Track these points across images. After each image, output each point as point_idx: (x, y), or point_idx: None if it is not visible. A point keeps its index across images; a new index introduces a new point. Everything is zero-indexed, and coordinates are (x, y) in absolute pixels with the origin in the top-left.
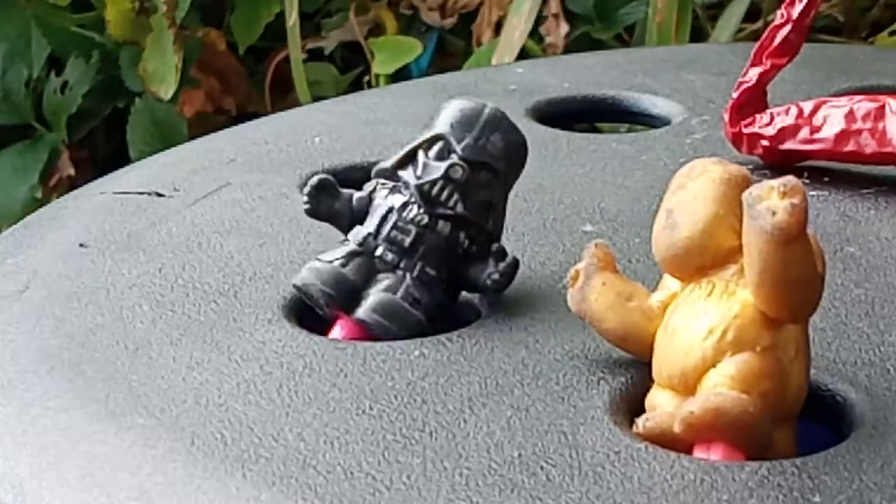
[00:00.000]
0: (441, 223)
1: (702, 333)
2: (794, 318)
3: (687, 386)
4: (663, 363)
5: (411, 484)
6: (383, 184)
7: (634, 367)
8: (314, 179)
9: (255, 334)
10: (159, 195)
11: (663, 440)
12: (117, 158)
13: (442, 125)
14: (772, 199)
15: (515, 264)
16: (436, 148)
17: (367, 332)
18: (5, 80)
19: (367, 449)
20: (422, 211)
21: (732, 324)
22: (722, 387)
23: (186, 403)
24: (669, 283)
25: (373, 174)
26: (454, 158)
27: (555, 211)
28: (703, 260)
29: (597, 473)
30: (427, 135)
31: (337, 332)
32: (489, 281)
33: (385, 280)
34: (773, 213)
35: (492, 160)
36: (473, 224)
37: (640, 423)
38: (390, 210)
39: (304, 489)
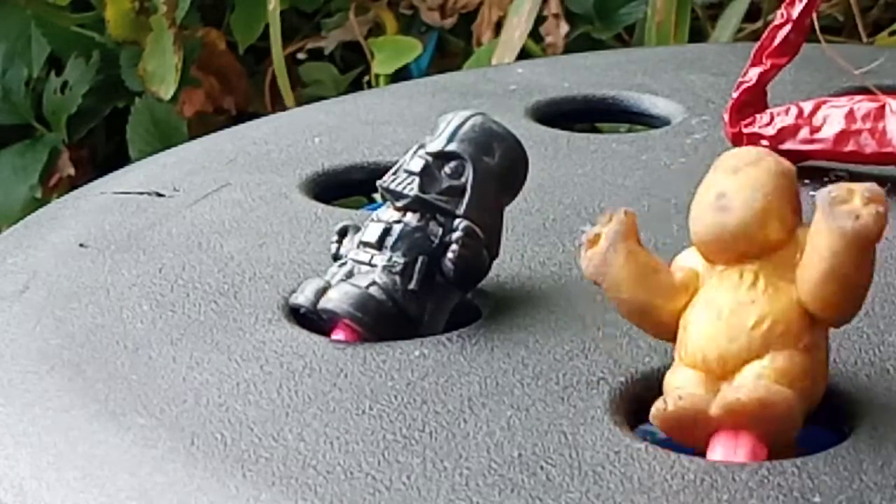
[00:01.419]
0: (409, 215)
1: (749, 322)
2: (839, 320)
3: (724, 370)
4: (700, 343)
5: (411, 484)
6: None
7: (635, 367)
8: (338, 226)
9: (255, 334)
10: (159, 195)
11: (684, 422)
12: (117, 158)
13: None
14: (854, 203)
15: (468, 231)
16: (411, 154)
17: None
18: (5, 80)
19: (367, 449)
20: (391, 208)
21: (781, 318)
22: (767, 379)
23: (186, 403)
24: (686, 262)
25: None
26: (421, 154)
27: (555, 211)
28: (749, 248)
29: (597, 473)
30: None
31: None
32: (450, 254)
33: (356, 276)
34: (857, 217)
35: (459, 149)
36: (440, 210)
37: (671, 401)
38: (371, 219)
39: (304, 489)
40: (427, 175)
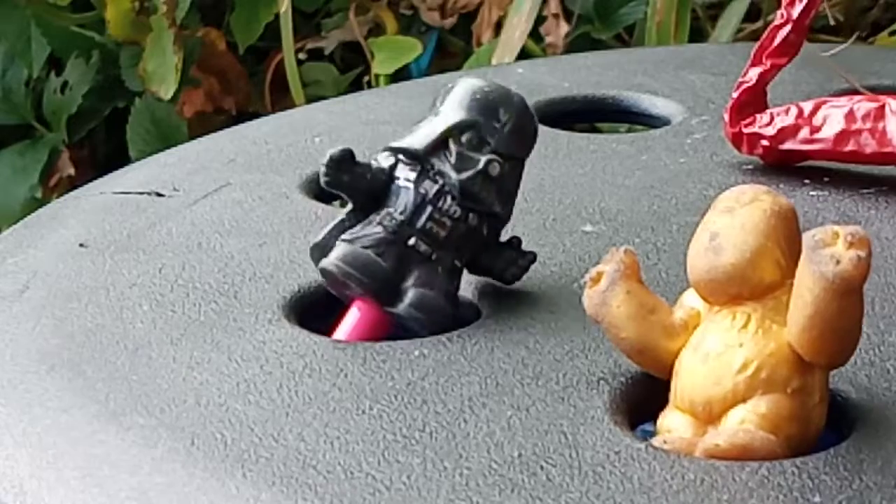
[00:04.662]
0: (471, 216)
1: (735, 366)
2: (830, 365)
3: (710, 415)
4: (687, 387)
5: (411, 484)
6: (406, 163)
7: (635, 367)
8: (335, 151)
9: (255, 334)
10: (159, 195)
11: None
12: (117, 158)
13: (466, 110)
14: (836, 247)
15: (534, 259)
16: (467, 136)
17: (381, 317)
18: (5, 80)
19: (367, 449)
20: (456, 203)
21: (767, 361)
22: (750, 424)
23: (186, 403)
24: (690, 302)
25: (394, 150)
26: (488, 152)
27: (555, 211)
28: (742, 289)
29: (597, 473)
30: (453, 119)
31: (354, 313)
32: (508, 274)
33: (418, 271)
34: (838, 262)
35: (522, 153)
36: (499, 216)
37: (657, 444)
38: (424, 199)
39: (304, 489)
40: (502, 182)
